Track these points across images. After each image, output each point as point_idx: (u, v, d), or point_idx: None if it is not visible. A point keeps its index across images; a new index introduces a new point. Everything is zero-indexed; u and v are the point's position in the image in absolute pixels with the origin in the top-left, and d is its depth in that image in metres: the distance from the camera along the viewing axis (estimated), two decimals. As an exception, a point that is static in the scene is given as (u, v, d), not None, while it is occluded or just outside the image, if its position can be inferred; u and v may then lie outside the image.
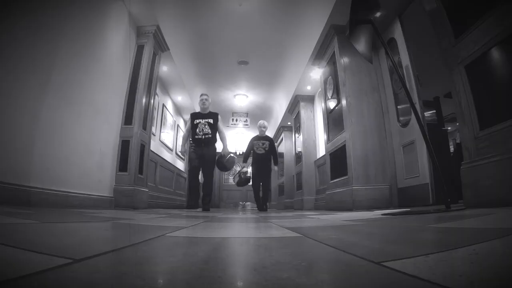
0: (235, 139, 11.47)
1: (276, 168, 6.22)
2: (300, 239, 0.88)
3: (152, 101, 4.85)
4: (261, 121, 5.89)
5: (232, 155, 4.98)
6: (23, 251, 0.53)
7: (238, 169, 6.06)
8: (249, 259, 0.59)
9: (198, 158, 4.55)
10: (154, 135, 6.25)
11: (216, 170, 5.38)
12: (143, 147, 4.49)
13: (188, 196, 4.86)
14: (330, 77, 5.00)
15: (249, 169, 6.01)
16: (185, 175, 7.93)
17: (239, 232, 1.23)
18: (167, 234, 0.97)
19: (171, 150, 7.73)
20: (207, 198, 4.61)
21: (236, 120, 9.32)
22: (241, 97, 8.19)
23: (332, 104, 4.96)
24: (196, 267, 0.45)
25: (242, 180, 5.85)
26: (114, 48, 4.02)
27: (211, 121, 4.65)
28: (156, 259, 0.52)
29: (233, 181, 5.92)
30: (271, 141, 5.78)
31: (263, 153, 5.63)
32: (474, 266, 0.46)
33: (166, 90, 7.15)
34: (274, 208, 9.94)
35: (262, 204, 5.54)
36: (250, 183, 5.86)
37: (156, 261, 0.50)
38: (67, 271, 0.40)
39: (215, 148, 4.76)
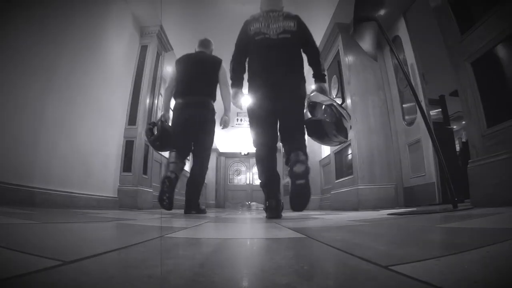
0: (240, 139, 11.43)
1: (325, 86, 2.66)
2: (304, 240, 0.85)
3: (156, 101, 4.85)
4: None
5: None
6: (12, 251, 0.50)
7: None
8: (249, 263, 0.56)
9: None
10: (158, 135, 6.24)
11: (221, 165, 4.00)
12: (147, 148, 4.49)
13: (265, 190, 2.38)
14: (335, 75, 4.95)
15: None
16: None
17: (241, 233, 1.20)
18: (166, 235, 0.94)
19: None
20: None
21: (241, 120, 9.29)
22: (245, 97, 8.17)
23: (336, 103, 4.92)
24: (191, 271, 0.43)
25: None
26: (118, 48, 4.02)
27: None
28: (150, 261, 0.50)
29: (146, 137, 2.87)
30: (297, 19, 2.61)
31: (283, 39, 2.46)
32: (489, 270, 0.43)
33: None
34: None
35: (298, 194, 2.08)
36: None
37: (150, 264, 0.47)
38: (52, 273, 0.38)
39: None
